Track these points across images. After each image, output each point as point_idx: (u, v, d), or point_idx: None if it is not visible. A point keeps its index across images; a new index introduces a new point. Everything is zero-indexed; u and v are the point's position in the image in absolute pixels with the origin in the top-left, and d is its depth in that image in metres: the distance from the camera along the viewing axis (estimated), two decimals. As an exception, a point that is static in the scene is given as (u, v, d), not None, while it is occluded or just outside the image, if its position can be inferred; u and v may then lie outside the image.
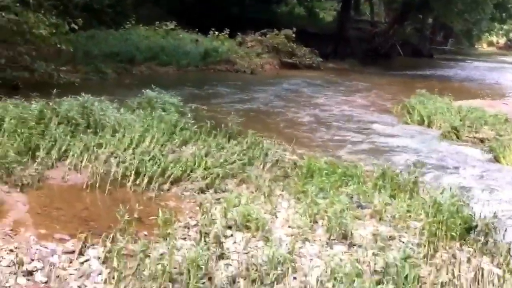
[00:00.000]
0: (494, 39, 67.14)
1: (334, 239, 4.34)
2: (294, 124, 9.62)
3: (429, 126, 10.09)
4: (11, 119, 6.04)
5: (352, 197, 5.25)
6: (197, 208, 4.77)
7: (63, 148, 5.75)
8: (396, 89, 16.13)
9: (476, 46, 59.70)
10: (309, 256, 4.02)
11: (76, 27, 11.09)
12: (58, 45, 10.64)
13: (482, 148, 8.43)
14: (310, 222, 4.57)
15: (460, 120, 9.68)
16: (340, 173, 5.86)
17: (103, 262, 3.56)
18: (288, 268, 3.69)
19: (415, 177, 5.91)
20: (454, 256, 4.28)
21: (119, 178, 5.24)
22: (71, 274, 3.37)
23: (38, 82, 9.72)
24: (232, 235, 4.26)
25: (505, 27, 62.07)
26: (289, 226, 4.54)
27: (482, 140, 8.81)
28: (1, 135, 5.73)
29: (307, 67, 19.58)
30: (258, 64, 18.12)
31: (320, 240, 4.32)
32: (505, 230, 4.86)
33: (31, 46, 10.45)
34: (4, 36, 10.10)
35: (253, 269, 3.64)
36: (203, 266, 3.52)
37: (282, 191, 5.43)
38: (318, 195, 5.11)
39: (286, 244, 4.10)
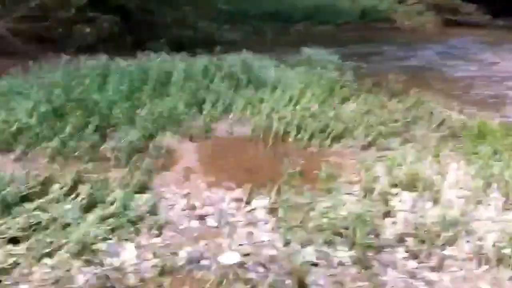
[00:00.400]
0: None
1: (511, 204, 4.02)
2: (460, 83, 9.02)
3: None
4: (179, 73, 6.33)
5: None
6: (360, 165, 4.67)
7: (227, 102, 5.93)
8: None
9: None
10: (483, 220, 3.76)
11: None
12: (219, 5, 10.96)
13: None
14: (484, 185, 4.28)
15: None
16: (515, 136, 5.42)
17: (270, 212, 3.61)
18: (460, 231, 3.48)
19: None
20: None
21: (281, 133, 5.29)
22: (239, 221, 3.47)
23: (201, 40, 10.09)
24: (397, 194, 4.11)
25: None
26: (460, 188, 4.28)
27: None
28: (171, 88, 6.04)
29: (473, 25, 18.26)
30: (419, 22, 17.28)
31: (495, 204, 4.02)
32: None
33: (194, 6, 10.87)
34: (171, -3, 10.64)
35: (422, 229, 3.49)
36: (369, 222, 3.44)
37: (451, 151, 5.14)
38: (491, 158, 4.78)
39: (457, 206, 3.87)
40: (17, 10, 9.29)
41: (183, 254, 3.00)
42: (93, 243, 2.90)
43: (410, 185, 4.22)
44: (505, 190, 4.13)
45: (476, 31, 17.10)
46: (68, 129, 4.60)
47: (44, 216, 3.04)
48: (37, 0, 9.26)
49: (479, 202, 4.01)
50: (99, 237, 2.99)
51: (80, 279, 2.69)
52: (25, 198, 3.28)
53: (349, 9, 16.74)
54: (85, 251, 2.82)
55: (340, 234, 3.37)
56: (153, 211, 3.37)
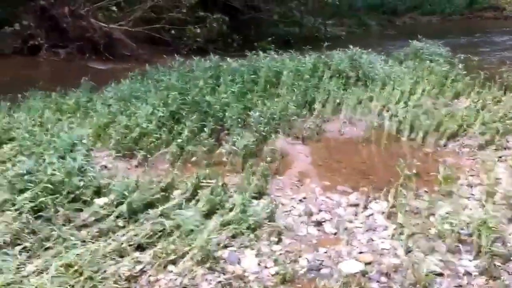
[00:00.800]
0: None
1: None
2: None
3: None
4: (289, 72, 6.27)
5: None
6: (478, 165, 4.38)
7: (337, 101, 5.79)
8: None
9: None
10: None
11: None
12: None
13: None
14: None
15: None
16: None
17: (388, 217, 3.46)
18: None
19: None
20: None
21: (394, 132, 5.09)
22: (357, 227, 3.34)
23: (307, 36, 9.99)
24: (521, 198, 3.80)
25: None
26: None
27: None
28: (281, 87, 5.99)
29: None
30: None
31: None
32: None
33: (300, 1, 10.76)
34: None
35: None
36: (494, 228, 3.19)
37: None
38: None
39: None
40: (132, 13, 9.62)
41: (303, 262, 2.93)
42: (215, 250, 2.90)
43: (537, 188, 3.89)
44: None
45: None
46: (185, 133, 4.67)
47: (168, 223, 3.08)
48: (151, 2, 9.52)
49: None
50: (221, 244, 2.99)
51: (205, 286, 2.69)
52: (149, 205, 3.34)
53: (456, -1, 15.97)
54: (208, 258, 2.82)
55: (464, 242, 3.16)
56: (271, 217, 3.32)
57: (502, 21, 14.79)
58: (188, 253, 2.87)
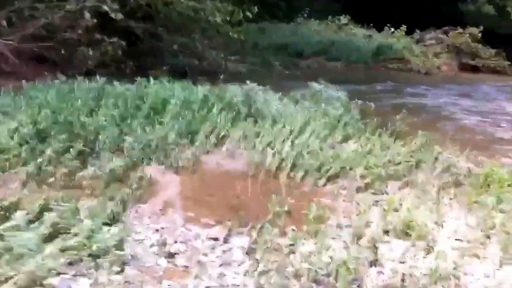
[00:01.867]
0: None
1: (510, 259, 3.80)
2: (471, 131, 8.83)
3: None
4: (176, 101, 6.23)
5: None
6: (353, 208, 4.49)
7: (222, 134, 5.79)
8: None
9: None
10: (477, 275, 3.55)
11: (250, 15, 11.22)
12: (230, 34, 10.90)
13: None
14: (483, 237, 4.07)
15: None
16: (525, 186, 5.21)
17: (247, 253, 3.43)
18: (450, 286, 3.27)
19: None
20: None
21: (274, 169, 5.13)
22: (212, 261, 3.29)
23: (206, 69, 10.05)
24: (389, 241, 3.92)
25: None
26: (456, 239, 4.08)
27: None
28: (166, 116, 5.92)
29: (491, 70, 18.15)
30: (434, 64, 17.20)
31: (492, 259, 3.81)
32: None
33: (203, 35, 10.85)
34: (181, 23, 10.59)
35: (409, 281, 3.28)
36: (353, 270, 3.25)
37: (452, 199, 4.94)
38: (495, 208, 4.57)
39: (451, 259, 3.66)
40: (23, 29, 9.28)
41: (142, 294, 2.83)
42: (45, 277, 2.73)
43: (404, 232, 4.03)
44: (505, 244, 3.92)
45: (494, 77, 17.02)
46: (48, 152, 4.47)
47: (-1, 244, 2.89)
48: (44, 20, 9.23)
49: (475, 256, 3.81)
50: (54, 271, 2.82)
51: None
52: (-16, 224, 3.13)
53: (363, 47, 16.74)
54: (34, 285, 2.65)
55: (320, 282, 3.18)
56: (119, 245, 3.19)
57: (406, 73, 15.67)
58: (13, 277, 2.68)
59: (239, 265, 3.27)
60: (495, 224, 4.21)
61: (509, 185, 5.19)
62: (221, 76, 7.41)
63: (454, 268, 3.45)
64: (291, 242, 3.52)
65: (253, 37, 14.81)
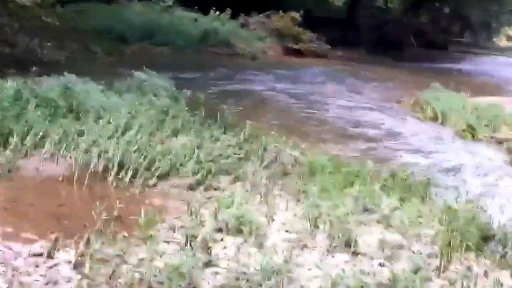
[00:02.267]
0: (512, 33, 67.07)
1: (336, 247, 4.10)
2: (296, 117, 9.35)
3: (442, 123, 9.83)
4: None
5: (357, 200, 5.00)
6: (185, 207, 4.53)
7: (40, 134, 5.49)
8: (408, 82, 15.84)
9: (494, 40, 59.43)
10: (307, 265, 3.79)
11: (64, -2, 10.72)
12: (43, 18, 10.33)
13: (500, 149, 8.19)
14: (310, 226, 4.35)
15: (477, 118, 9.44)
16: (345, 172, 5.65)
17: (74, 267, 3.32)
18: (283, 279, 3.45)
19: (428, 179, 5.73)
20: (469, 269, 4.07)
21: (100, 171, 5.01)
22: (36, 280, 3.13)
23: (20, 58, 9.45)
24: (222, 240, 4.03)
25: (526, 19, 62.11)
26: (286, 231, 4.31)
27: (500, 141, 8.57)
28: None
29: (313, 54, 19.22)
30: (260, 49, 17.80)
31: (320, 247, 4.10)
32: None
33: (13, 18, 10.13)
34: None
35: (243, 279, 3.41)
36: (187, 275, 3.29)
37: (281, 190, 5.20)
38: (320, 196, 4.89)
39: (282, 251, 3.87)
40: None
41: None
42: None
43: (237, 229, 4.16)
44: (331, 232, 4.22)
45: (316, 60, 18.07)
46: None
47: None
48: None
49: (304, 246, 4.06)
50: None
51: None
52: None
53: (189, 31, 16.79)
54: None
55: (154, 291, 3.19)
56: None
57: (233, 58, 16.04)
58: None
59: (67, 282, 3.16)
60: (321, 213, 4.51)
61: (330, 172, 5.59)
62: (34, 68, 6.98)
63: (285, 261, 3.64)
64: (122, 251, 3.47)
65: (71, 20, 14.14)
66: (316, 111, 10.03)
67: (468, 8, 41.09)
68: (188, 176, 5.23)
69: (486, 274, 4.03)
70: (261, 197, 4.86)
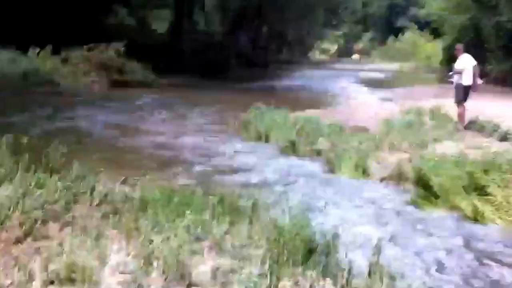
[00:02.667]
0: (326, 46, 72.03)
1: (171, 281, 4.13)
2: (123, 150, 9.26)
3: (266, 141, 10.27)
4: None
5: (189, 229, 5.07)
6: (13, 262, 4.30)
7: None
8: (234, 103, 16.41)
9: (309, 55, 63.32)
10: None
11: None
12: None
13: (319, 161, 8.70)
14: (144, 264, 4.33)
15: (297, 133, 9.99)
16: (177, 203, 5.69)
17: None
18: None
19: (255, 199, 5.94)
20: (297, 283, 4.28)
21: None
22: None
23: None
24: (52, 292, 3.89)
25: (335, 33, 66.95)
26: (120, 273, 4.26)
27: (319, 152, 9.11)
28: None
29: (140, 84, 19.13)
30: (85, 84, 17.35)
31: (155, 284, 4.10)
32: (346, 248, 4.99)
33: None
34: None
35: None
36: None
37: (113, 230, 5.11)
38: (152, 231, 4.89)
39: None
40: None
41: None
42: None
43: (69, 278, 4.03)
44: (165, 266, 4.24)
45: (143, 90, 18.01)
46: None
47: None
48: None
49: (139, 286, 4.04)
50: None
51: None
52: None
53: (9, 72, 15.89)
54: None
55: None
56: None
57: (57, 97, 15.38)
58: None
59: None
60: (154, 249, 4.52)
61: (162, 205, 5.60)
62: None
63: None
64: None
65: None
66: (144, 141, 10.02)
67: (284, 27, 43.44)
68: (14, 228, 4.95)
69: (311, 286, 4.27)
70: (92, 241, 4.74)
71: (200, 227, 5.14)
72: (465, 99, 11.96)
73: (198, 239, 4.97)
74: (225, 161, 8.80)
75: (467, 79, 11.84)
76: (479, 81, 12.28)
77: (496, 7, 32.18)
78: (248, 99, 16.12)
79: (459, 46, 12.91)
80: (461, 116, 11.95)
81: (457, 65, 12.14)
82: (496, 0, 31.84)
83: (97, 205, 5.69)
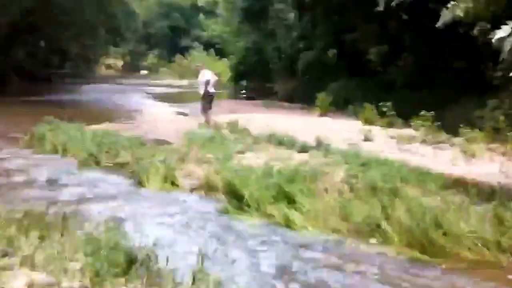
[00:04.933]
0: (112, 61, 71.26)
1: None
2: None
3: (64, 154, 9.81)
4: None
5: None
6: None
7: None
8: (19, 117, 15.44)
9: (94, 69, 62.09)
10: None
11: None
12: None
13: (124, 174, 8.54)
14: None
15: (98, 146, 9.68)
16: (-24, 220, 5.20)
17: None
18: None
19: (64, 213, 5.65)
20: (122, 294, 4.17)
21: None
22: None
23: None
24: None
25: (120, 50, 66.58)
26: None
27: (122, 165, 8.94)
28: None
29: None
30: None
31: None
32: (167, 256, 4.96)
33: None
34: None
35: None
36: None
37: None
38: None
39: None
40: None
41: None
42: None
43: None
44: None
45: None
46: None
47: None
48: None
49: None
50: None
51: None
52: None
53: None
54: None
55: None
56: None
57: None
58: None
59: None
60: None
61: None
62: None
63: None
64: None
65: None
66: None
67: (65, 42, 42.16)
68: None
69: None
70: None
71: (7, 243, 4.76)
72: (210, 106, 14.43)
73: (6, 255, 4.60)
74: (22, 176, 8.20)
75: (211, 89, 14.22)
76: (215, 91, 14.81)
77: (275, 34, 34.86)
78: (34, 113, 15.28)
79: (199, 64, 16.48)
80: (209, 121, 14.17)
81: (201, 78, 14.29)
82: (273, 27, 34.48)
83: None
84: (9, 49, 32.37)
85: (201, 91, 14.22)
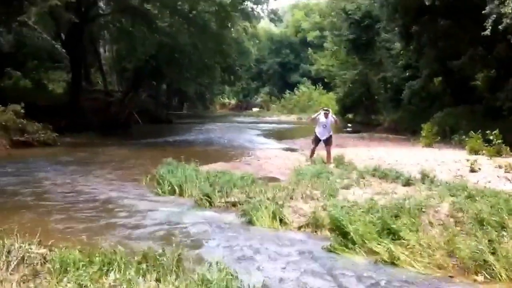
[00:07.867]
0: (226, 100, 73.63)
1: None
2: (38, 213, 8.82)
3: (181, 195, 10.18)
4: None
5: (115, 288, 4.92)
6: None
7: None
8: (141, 159, 16.24)
9: (210, 109, 64.32)
10: None
11: None
12: None
13: (235, 212, 8.70)
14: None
15: (210, 186, 9.98)
16: (99, 262, 5.50)
17: None
18: None
19: (178, 255, 5.83)
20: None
21: None
22: None
23: None
24: None
25: (234, 89, 68.63)
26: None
27: (234, 204, 9.12)
28: None
29: (42, 143, 18.67)
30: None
31: None
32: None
33: None
34: None
35: None
36: None
37: (34, 294, 4.85)
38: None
39: None
40: None
41: None
42: None
43: None
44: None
45: (45, 150, 17.48)
46: None
47: None
48: None
49: None
50: None
51: None
52: None
53: None
54: None
55: None
56: None
57: None
58: None
59: None
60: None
61: (83, 265, 5.39)
62: None
63: None
64: None
65: None
66: (54, 202, 9.63)
67: (183, 83, 43.99)
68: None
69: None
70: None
71: (125, 285, 5.01)
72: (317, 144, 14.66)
73: (126, 299, 4.83)
74: (142, 216, 8.61)
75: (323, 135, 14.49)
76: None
77: (381, 64, 34.50)
78: (156, 154, 16.15)
79: (327, 108, 15.45)
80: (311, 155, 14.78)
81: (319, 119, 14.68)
82: (379, 57, 34.14)
83: (14, 268, 5.37)
84: (134, 93, 34.22)
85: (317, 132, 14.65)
